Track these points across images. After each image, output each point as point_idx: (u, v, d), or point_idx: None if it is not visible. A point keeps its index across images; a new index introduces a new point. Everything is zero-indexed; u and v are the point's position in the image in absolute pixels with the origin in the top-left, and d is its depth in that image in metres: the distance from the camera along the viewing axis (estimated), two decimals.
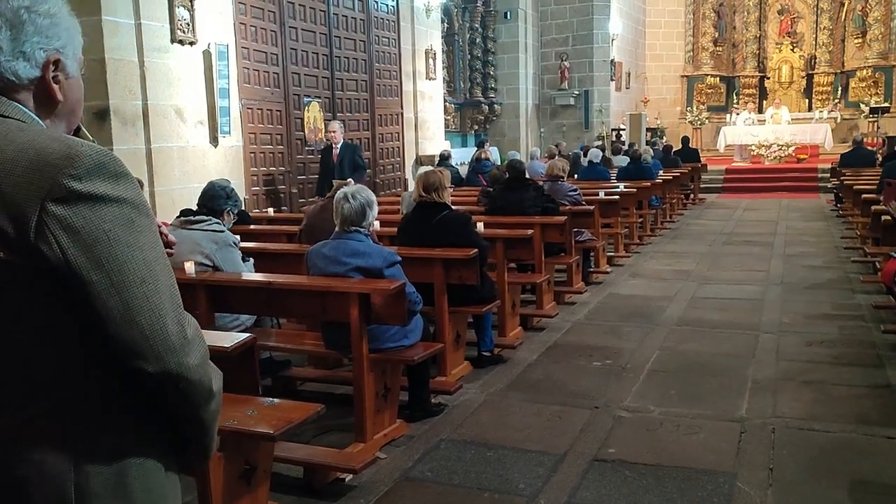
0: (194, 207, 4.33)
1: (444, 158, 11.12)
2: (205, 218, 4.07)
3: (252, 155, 9.23)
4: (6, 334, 1.18)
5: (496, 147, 15.95)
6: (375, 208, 3.82)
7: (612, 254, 8.92)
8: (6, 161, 1.14)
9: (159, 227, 1.67)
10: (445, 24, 15.57)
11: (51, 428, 1.19)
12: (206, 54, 8.24)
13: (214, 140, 8.42)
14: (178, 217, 4.16)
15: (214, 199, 4.17)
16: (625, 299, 7.04)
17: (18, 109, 1.23)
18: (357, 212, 3.72)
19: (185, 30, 7.99)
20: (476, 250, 4.50)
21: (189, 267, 3.88)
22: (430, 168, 4.92)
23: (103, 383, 1.22)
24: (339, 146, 8.77)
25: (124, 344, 1.17)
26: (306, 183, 10.18)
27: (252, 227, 6.36)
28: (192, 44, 8.04)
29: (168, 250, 1.72)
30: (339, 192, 3.80)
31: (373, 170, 11.66)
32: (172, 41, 7.83)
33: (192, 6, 8.00)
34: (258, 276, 3.90)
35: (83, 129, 1.44)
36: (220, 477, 2.79)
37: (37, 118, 1.26)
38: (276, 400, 3.07)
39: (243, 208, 8.46)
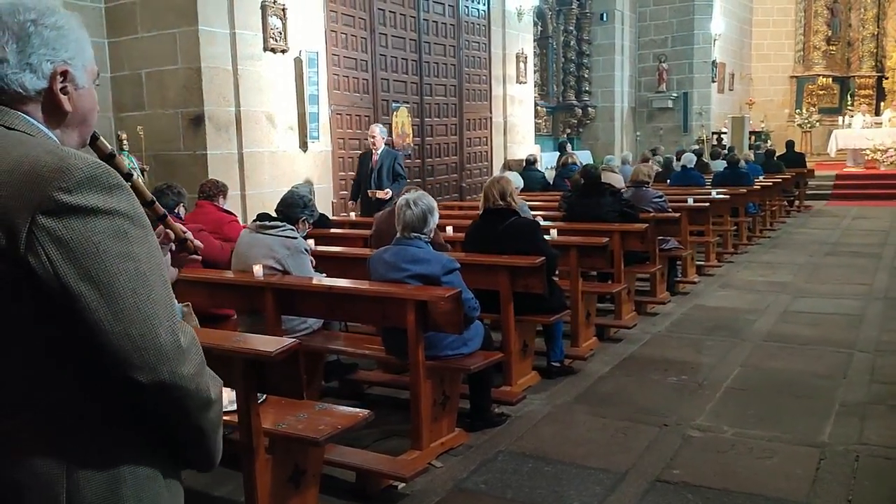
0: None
1: (531, 163, 11.00)
2: (280, 224, 4.17)
3: (340, 160, 9.41)
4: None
5: (588, 151, 15.67)
6: (437, 214, 3.80)
7: (703, 263, 8.58)
8: (2, 173, 1.18)
9: (184, 233, 1.72)
10: (539, 27, 15.44)
11: (43, 434, 1.22)
12: (297, 62, 8.46)
13: (304, 145, 8.65)
14: (254, 220, 4.28)
15: (292, 207, 4.26)
16: (711, 311, 6.75)
17: (25, 121, 1.27)
18: (418, 218, 3.72)
19: (277, 38, 8.23)
20: (543, 258, 4.41)
21: (258, 270, 3.98)
22: (498, 175, 4.87)
23: (97, 391, 1.24)
24: (378, 152, 8.10)
25: (115, 355, 1.18)
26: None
27: (332, 230, 6.47)
28: (283, 52, 8.28)
29: (194, 256, 1.76)
30: (401, 197, 3.81)
31: (459, 174, 11.69)
32: (265, 49, 8.08)
33: (284, 15, 8.24)
34: (320, 281, 3.95)
35: (101, 138, 1.48)
36: (268, 479, 2.83)
37: (45, 129, 1.30)
38: (326, 405, 3.10)
39: (329, 213, 8.71)
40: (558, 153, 12.41)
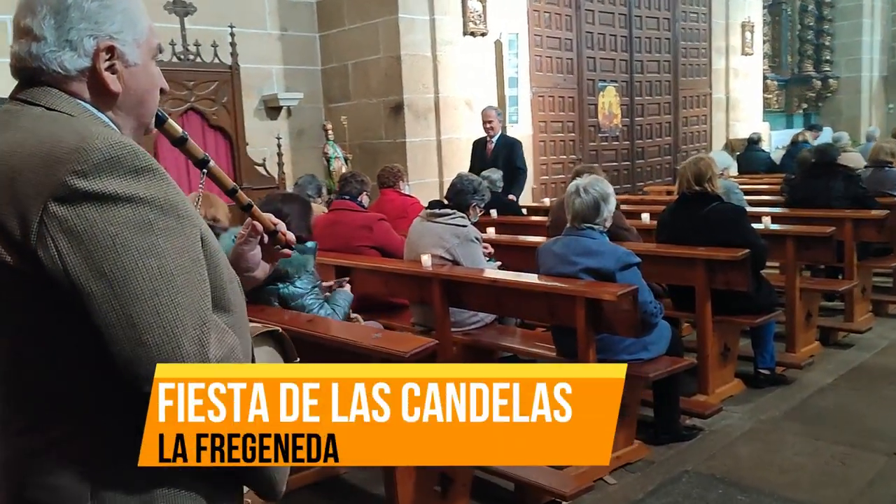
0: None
1: (754, 142, 9.95)
2: (450, 212, 3.99)
3: (542, 143, 9.11)
4: (18, 348, 1.11)
5: (829, 128, 13.95)
6: (613, 202, 3.40)
7: None
8: (25, 156, 1.05)
9: (274, 225, 1.53)
10: None
11: (69, 453, 1.09)
12: (498, 44, 8.28)
13: (504, 129, 8.44)
14: (426, 208, 4.14)
15: (462, 194, 4.07)
16: None
17: (69, 102, 1.14)
18: (589, 206, 3.34)
19: (477, 21, 8.10)
20: (747, 250, 3.83)
21: (426, 260, 3.83)
22: (698, 155, 4.31)
23: (126, 407, 1.07)
24: (494, 140, 7.00)
25: (128, 365, 1.02)
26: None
27: (515, 218, 6.20)
28: (483, 35, 8.13)
29: (285, 250, 1.57)
30: (571, 183, 3.45)
31: (673, 156, 10.88)
32: (464, 34, 7.99)
33: None
34: (486, 274, 3.71)
35: (170, 120, 1.34)
36: (410, 488, 2.65)
37: (96, 111, 1.16)
38: None
39: (529, 199, 8.45)
40: (807, 131, 10.98)
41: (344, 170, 7.58)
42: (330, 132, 7.66)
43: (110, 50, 1.16)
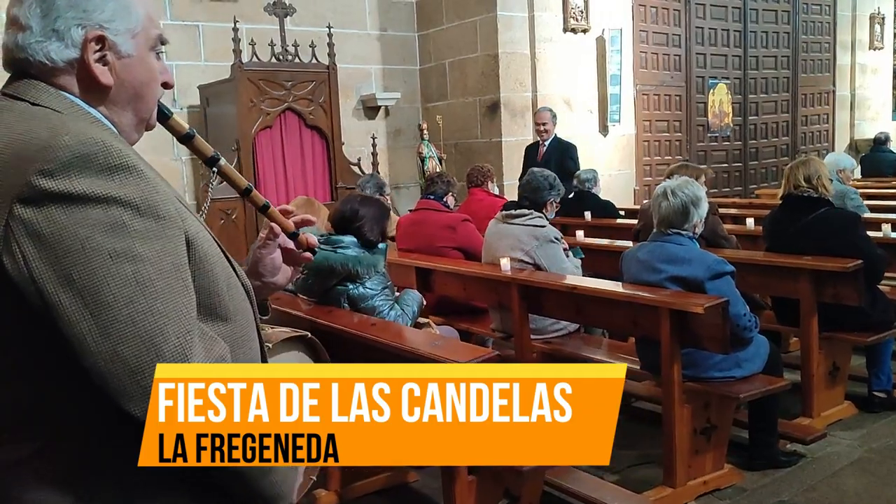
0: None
1: (880, 143, 9.19)
2: (526, 212, 3.82)
3: (646, 143, 8.75)
4: None
5: None
6: (704, 206, 3.14)
7: None
8: None
9: (296, 229, 1.44)
10: None
11: (46, 467, 1.03)
12: (599, 41, 8.01)
13: (604, 129, 8.19)
14: (501, 210, 3.99)
15: (537, 191, 3.89)
16: None
17: (56, 96, 1.07)
18: (677, 211, 3.10)
19: (578, 17, 7.87)
20: (860, 261, 3.47)
21: (505, 263, 3.68)
22: (808, 156, 3.95)
23: (104, 419, 1.00)
24: (547, 143, 6.60)
25: (104, 380, 0.94)
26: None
27: (618, 221, 5.93)
28: (584, 31, 7.89)
29: (306, 254, 1.48)
30: (658, 186, 3.21)
31: (790, 157, 10.21)
32: (564, 30, 7.78)
33: None
34: (566, 280, 3.52)
35: (174, 116, 1.26)
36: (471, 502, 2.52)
37: (86, 105, 1.09)
38: None
39: (630, 201, 8.12)
40: None
41: (438, 170, 7.54)
42: (425, 132, 7.63)
43: (100, 40, 1.08)
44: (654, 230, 3.21)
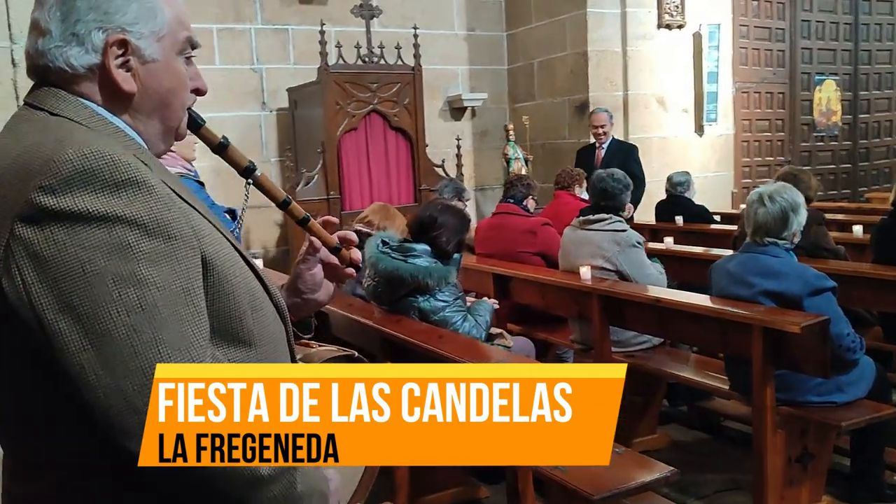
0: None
1: None
2: (605, 216, 3.64)
3: (745, 144, 8.32)
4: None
5: None
6: (803, 213, 2.88)
7: None
8: (3, 169, 0.94)
9: (339, 243, 1.36)
10: None
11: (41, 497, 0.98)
12: (696, 37, 7.67)
13: (699, 129, 7.83)
14: (577, 217, 3.81)
15: (612, 194, 3.70)
16: None
17: (75, 105, 1.01)
18: (776, 218, 2.85)
19: (674, 13, 7.55)
20: None
21: (585, 272, 3.51)
22: None
23: (102, 458, 0.93)
24: (605, 146, 6.22)
25: (105, 417, 0.88)
26: (812, 175, 8.75)
27: (713, 226, 5.63)
28: (680, 27, 7.57)
29: (348, 269, 1.39)
30: (753, 191, 2.98)
31: None
32: (659, 26, 7.49)
33: None
34: (650, 292, 3.31)
35: (206, 125, 1.19)
36: None
37: (108, 114, 1.03)
38: (623, 449, 2.51)
39: (728, 205, 7.73)
40: None
41: (524, 171, 7.38)
42: (511, 133, 7.49)
43: (123, 44, 1.02)
44: (748, 239, 2.97)
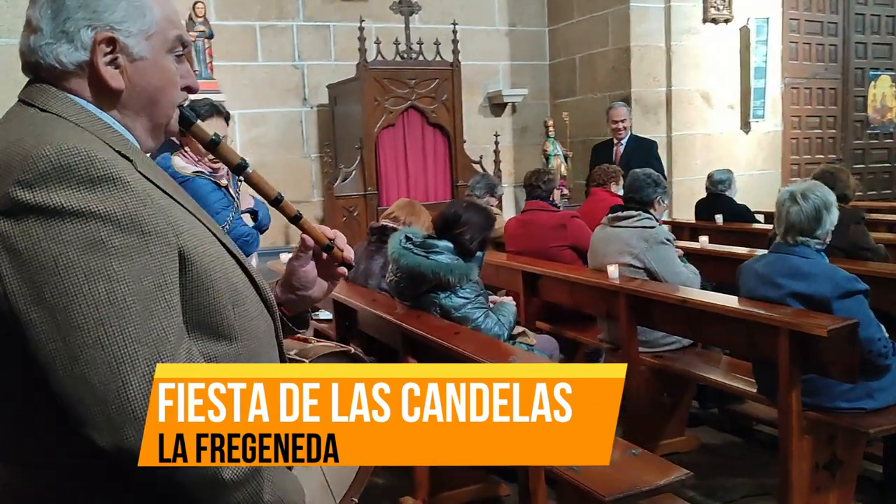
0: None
1: None
2: (633, 213, 3.59)
3: (794, 141, 8.10)
4: None
5: None
6: (835, 212, 2.79)
7: None
8: None
9: (329, 239, 1.36)
10: None
11: (25, 494, 1.01)
12: (744, 31, 7.50)
13: (746, 125, 7.66)
14: (607, 214, 3.76)
15: (641, 190, 3.64)
16: None
17: (64, 101, 1.04)
18: (810, 217, 2.77)
19: (720, 7, 7.40)
20: None
21: (612, 271, 3.47)
22: None
23: (80, 451, 0.95)
24: (623, 142, 6.03)
25: (71, 406, 0.90)
26: (865, 173, 8.50)
27: (754, 226, 5.50)
28: (726, 21, 7.41)
29: (341, 268, 1.40)
30: (784, 189, 2.90)
31: None
32: (704, 21, 7.34)
33: None
34: (676, 292, 3.25)
35: (198, 122, 1.21)
36: None
37: (97, 110, 1.06)
38: (639, 450, 2.48)
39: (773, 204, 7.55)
40: None
41: (563, 168, 7.32)
42: (550, 129, 7.43)
43: (111, 42, 1.04)
44: (779, 239, 2.89)
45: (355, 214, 6.24)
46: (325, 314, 3.95)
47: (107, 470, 0.95)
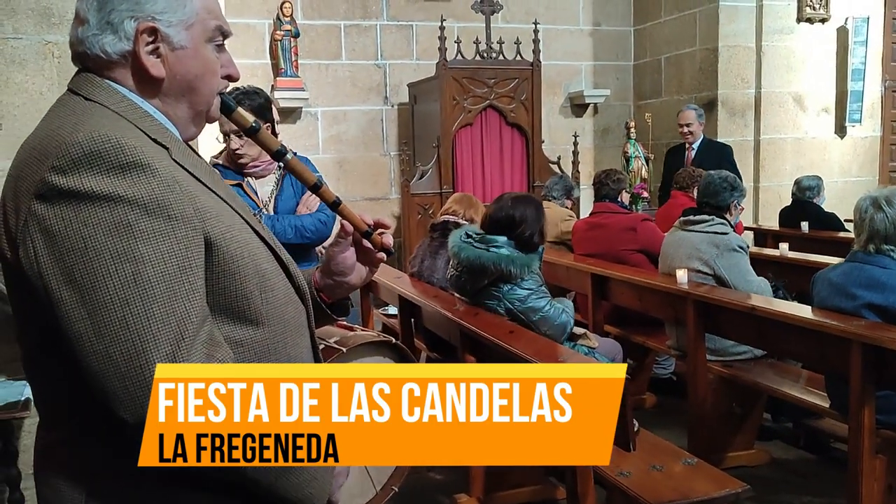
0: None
1: None
2: (707, 217, 3.48)
3: (893, 147, 7.68)
4: (28, 343, 1.11)
5: None
6: None
7: None
8: (30, 149, 1.05)
9: (368, 226, 1.37)
10: None
11: (70, 455, 1.08)
12: (841, 31, 7.17)
13: (841, 130, 7.32)
14: (680, 217, 3.67)
15: (718, 193, 3.53)
16: None
17: (107, 90, 1.10)
18: (895, 223, 2.63)
19: (817, 6, 7.09)
20: None
21: (681, 276, 3.38)
22: None
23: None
24: (695, 146, 5.83)
25: (96, 380, 0.96)
26: None
27: (841, 234, 5.25)
28: (823, 21, 7.10)
29: (380, 254, 1.41)
30: (864, 195, 2.76)
31: None
32: (799, 20, 7.06)
33: None
34: (746, 299, 3.13)
35: (239, 109, 1.25)
36: None
37: (139, 99, 1.12)
38: (696, 460, 2.41)
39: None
40: None
41: (644, 171, 7.18)
42: (632, 130, 7.29)
43: (153, 31, 1.10)
44: (857, 248, 2.75)
45: (430, 212, 6.28)
46: (393, 310, 4.00)
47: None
